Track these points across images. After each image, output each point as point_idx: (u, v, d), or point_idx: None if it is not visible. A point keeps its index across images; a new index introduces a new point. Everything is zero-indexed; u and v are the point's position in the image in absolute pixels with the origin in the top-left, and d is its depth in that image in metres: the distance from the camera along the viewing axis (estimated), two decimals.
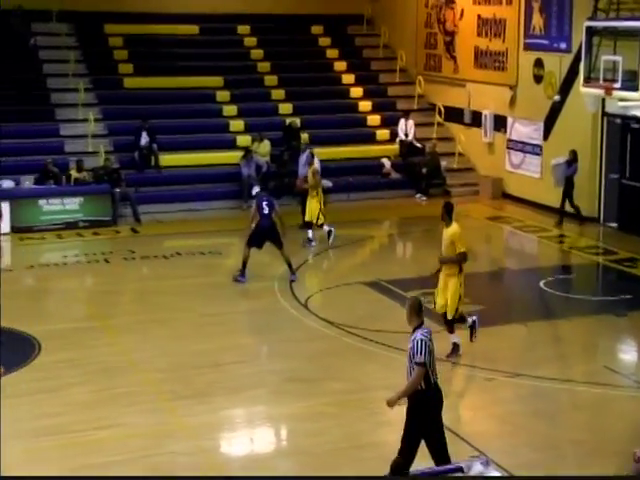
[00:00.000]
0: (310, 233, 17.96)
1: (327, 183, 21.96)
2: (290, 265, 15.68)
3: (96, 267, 16.83)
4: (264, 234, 15.52)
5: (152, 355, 12.46)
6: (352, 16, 27.59)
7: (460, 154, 24.11)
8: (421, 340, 8.07)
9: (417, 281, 15.04)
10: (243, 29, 26.73)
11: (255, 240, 15.54)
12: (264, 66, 25.70)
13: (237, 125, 23.70)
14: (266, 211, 15.52)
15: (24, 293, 15.56)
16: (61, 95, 23.23)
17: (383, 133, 24.45)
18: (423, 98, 25.76)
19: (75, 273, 16.77)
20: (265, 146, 22.20)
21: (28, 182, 19.75)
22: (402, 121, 24.04)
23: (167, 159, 22.13)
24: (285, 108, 24.47)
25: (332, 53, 26.76)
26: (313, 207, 17.83)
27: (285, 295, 15.03)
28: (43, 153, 21.01)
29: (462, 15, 24.32)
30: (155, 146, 21.94)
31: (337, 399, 11.02)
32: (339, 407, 10.81)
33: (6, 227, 18.31)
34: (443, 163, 23.51)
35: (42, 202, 19.30)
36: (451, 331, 12.16)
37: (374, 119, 24.86)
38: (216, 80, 24.76)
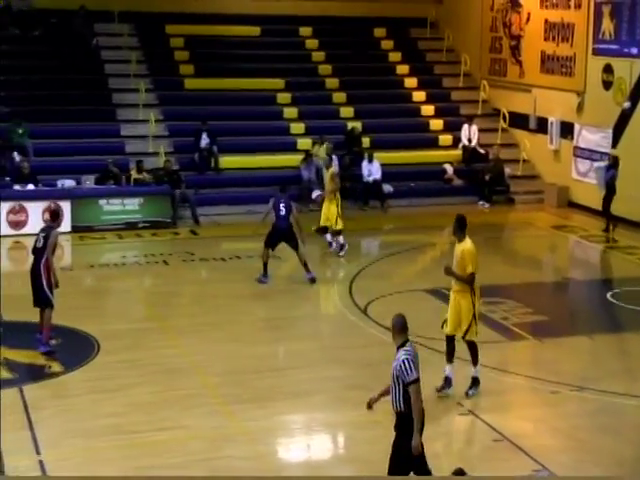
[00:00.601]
0: (328, 237, 17.81)
1: (388, 188, 22.02)
2: (306, 265, 15.79)
3: (155, 268, 17.08)
4: (279, 235, 15.79)
5: (210, 358, 12.61)
6: (416, 19, 27.60)
7: (524, 161, 23.94)
8: (406, 360, 7.98)
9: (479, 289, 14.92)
10: (305, 31, 26.89)
11: (271, 240, 15.80)
12: (325, 68, 25.84)
13: (297, 128, 23.87)
14: (283, 212, 15.77)
15: (84, 293, 15.87)
16: (122, 95, 23.65)
17: (446, 138, 24.42)
18: (487, 103, 25.65)
19: (134, 274, 17.05)
20: (326, 149, 22.33)
21: (89, 182, 20.13)
22: (465, 126, 23.98)
23: (227, 161, 22.40)
24: (346, 111, 24.57)
25: (395, 56, 26.79)
26: (331, 211, 17.53)
27: (344, 301, 15.11)
28: (104, 153, 21.41)
29: (528, 19, 24.16)
30: (215, 148, 22.21)
31: None
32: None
33: (67, 226, 18.68)
34: (507, 170, 23.37)
35: (102, 202, 19.68)
36: (475, 362, 11.26)
37: (437, 124, 24.84)
38: (277, 82, 24.96)
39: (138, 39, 25.44)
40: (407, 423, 7.95)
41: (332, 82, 25.47)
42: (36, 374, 11.87)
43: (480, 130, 24.13)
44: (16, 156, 20.61)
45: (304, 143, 23.12)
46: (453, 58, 26.92)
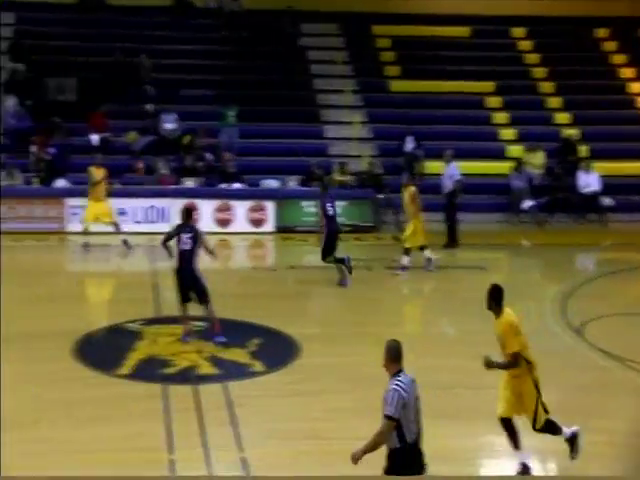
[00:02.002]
0: (427, 253, 17.17)
1: (607, 201, 21.28)
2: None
3: (357, 274, 17.25)
4: (336, 237, 15.59)
5: (407, 369, 12.54)
6: None
7: None
8: (394, 391, 7.46)
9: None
10: (518, 32, 26.51)
11: (332, 248, 15.60)
12: (540, 72, 25.35)
13: (508, 134, 23.54)
14: (331, 212, 15.51)
15: (285, 294, 16.27)
16: (327, 97, 24.17)
17: None
18: None
19: (335, 278, 17.29)
20: (539, 157, 21.88)
21: (292, 183, 20.69)
22: None
23: (433, 166, 22.37)
24: (562, 117, 23.99)
25: (618, 59, 25.91)
26: (414, 229, 16.84)
27: (557, 318, 14.69)
28: (307, 154, 21.96)
29: None
30: (420, 152, 22.23)
31: (607, 439, 10.55)
32: (608, 447, 10.34)
33: (270, 226, 19.29)
34: None
35: (305, 203, 20.18)
36: (516, 446, 9.57)
37: None
38: (486, 85, 24.74)
39: (344, 40, 25.92)
40: (394, 460, 7.52)
41: (546, 86, 24.95)
42: (239, 372, 12.25)
43: None
44: (208, 156, 21.51)
45: (515, 150, 22.74)
46: None
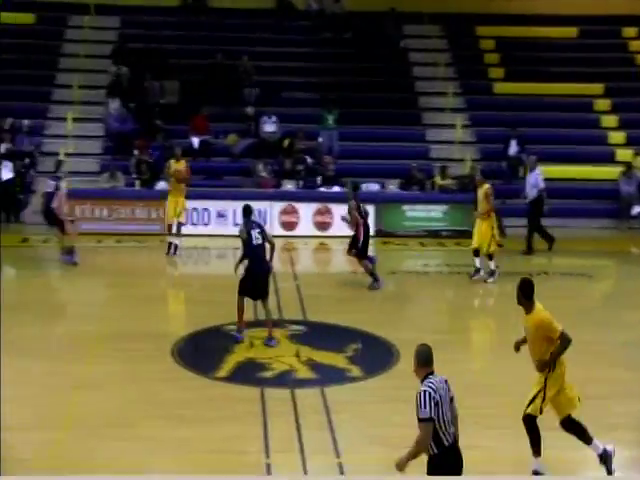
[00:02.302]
0: (477, 262, 16.67)
1: None
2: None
3: (457, 279, 17.11)
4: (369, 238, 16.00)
5: (507, 378, 12.31)
6: None
7: None
8: (424, 392, 7.38)
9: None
10: (629, 32, 25.92)
11: (367, 248, 15.82)
12: None
13: (617, 137, 23.03)
14: (364, 213, 15.80)
15: (385, 299, 16.20)
16: (429, 99, 24.04)
17: None
18: None
19: (436, 283, 17.18)
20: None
21: (392, 186, 20.64)
22: None
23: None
24: None
25: None
26: (483, 232, 16.48)
27: None
28: (408, 158, 21.87)
29: None
30: (525, 156, 21.87)
31: None
32: None
33: (370, 230, 19.25)
34: None
35: (406, 207, 20.11)
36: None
37: None
38: (595, 87, 24.24)
39: (447, 41, 25.74)
40: (433, 465, 7.43)
41: None
42: (337, 377, 12.25)
43: None
44: (308, 159, 21.62)
45: (624, 154, 22.19)
46: None
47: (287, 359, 12.68)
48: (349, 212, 16.03)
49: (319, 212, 20.17)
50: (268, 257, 13.20)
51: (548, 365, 9.49)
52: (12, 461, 9.42)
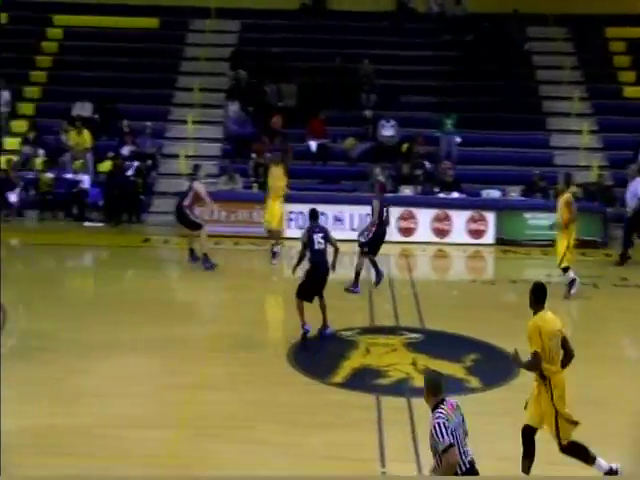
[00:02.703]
0: (571, 273, 15.96)
1: None
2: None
3: (581, 290, 16.73)
4: (382, 240, 16.17)
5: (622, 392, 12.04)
6: None
7: None
8: (438, 424, 7.43)
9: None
10: None
11: (374, 247, 16.07)
12: None
13: None
14: (385, 216, 16.04)
15: (505, 308, 15.93)
16: (553, 103, 23.66)
17: None
18: None
19: (558, 294, 16.80)
20: None
21: (514, 193, 20.35)
22: None
23: None
24: None
25: None
26: (562, 246, 15.82)
27: None
28: (531, 164, 21.57)
29: None
30: None
31: None
32: None
33: (490, 238, 19.09)
34: None
35: (528, 215, 19.77)
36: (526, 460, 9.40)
37: None
38: None
39: (573, 44, 25.25)
40: None
41: None
42: (454, 387, 12.12)
43: None
44: (427, 164, 21.50)
45: None
46: None
47: (404, 367, 12.64)
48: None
49: (437, 218, 20.05)
50: (331, 260, 13.67)
51: (522, 366, 9.49)
52: (118, 457, 9.65)
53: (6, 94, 23.21)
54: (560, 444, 9.33)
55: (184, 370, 12.18)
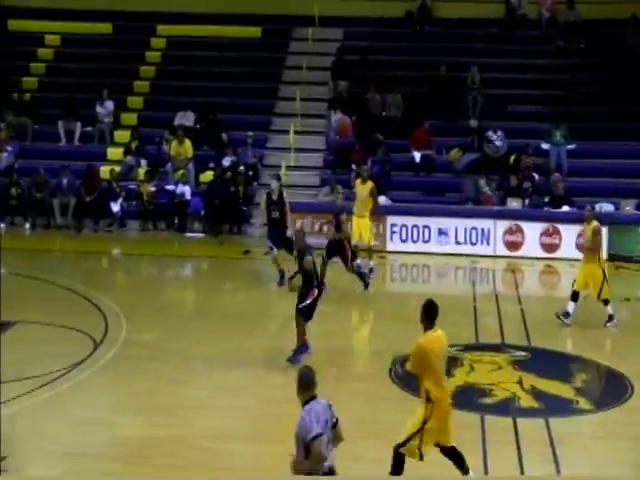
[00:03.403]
0: (570, 306, 15.06)
1: None
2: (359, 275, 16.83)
3: None
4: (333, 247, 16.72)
5: None
6: None
7: None
8: (308, 414, 7.58)
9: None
10: None
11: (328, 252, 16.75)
12: None
13: None
14: None
15: (618, 326, 15.59)
16: None
17: None
18: None
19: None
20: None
21: (628, 207, 19.94)
22: None
23: None
24: None
25: None
26: (595, 275, 14.89)
27: None
28: None
29: None
30: None
31: None
32: None
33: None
34: None
35: None
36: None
37: None
38: None
39: None
40: None
41: None
42: (563, 408, 11.98)
43: None
44: (535, 176, 21.22)
45: None
46: None
47: (509, 386, 12.53)
48: None
49: (546, 233, 19.75)
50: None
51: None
52: (213, 470, 9.80)
53: (110, 104, 23.87)
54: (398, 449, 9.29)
55: (283, 384, 12.30)
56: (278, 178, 17.72)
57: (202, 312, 15.70)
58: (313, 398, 7.80)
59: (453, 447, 9.38)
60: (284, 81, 25.15)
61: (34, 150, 23.45)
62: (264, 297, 17.19)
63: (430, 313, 9.44)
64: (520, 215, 20.35)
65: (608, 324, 15.02)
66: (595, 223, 15.18)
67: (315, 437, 7.62)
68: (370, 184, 18.00)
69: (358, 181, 18.43)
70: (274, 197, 17.17)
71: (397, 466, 9.35)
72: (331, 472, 7.88)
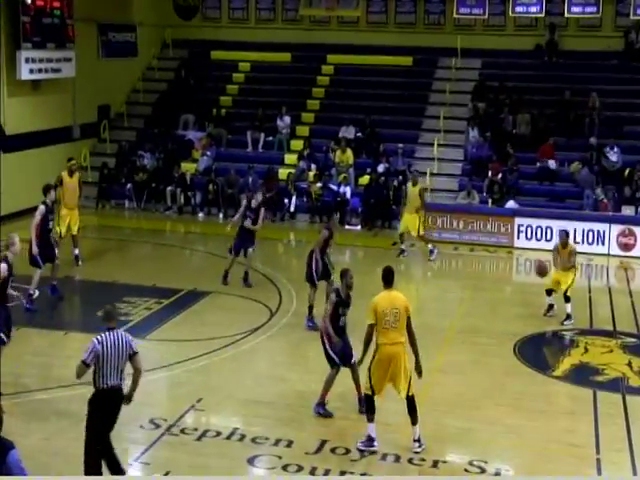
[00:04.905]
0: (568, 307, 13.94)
1: None
2: None
3: None
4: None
5: None
6: None
7: None
8: (91, 341, 7.97)
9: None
10: None
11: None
12: None
13: None
14: None
15: None
16: None
17: None
18: None
19: None
20: None
21: None
22: None
23: None
24: None
25: None
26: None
27: None
28: None
29: None
30: None
31: None
32: None
33: None
34: None
35: None
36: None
37: None
38: None
39: None
40: (91, 399, 8.05)
41: None
42: None
43: None
44: None
45: None
46: None
47: (620, 367, 12.07)
48: None
49: (623, 234, 18.98)
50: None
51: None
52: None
53: (287, 119, 24.24)
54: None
55: (427, 356, 12.15)
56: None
57: (357, 291, 15.75)
58: (110, 329, 8.07)
59: (410, 397, 9.31)
60: (431, 102, 24.91)
61: (227, 155, 24.05)
62: (409, 280, 17.14)
63: (386, 277, 9.57)
64: (633, 220, 19.48)
65: (566, 322, 13.88)
66: None
67: (82, 362, 7.95)
68: (419, 186, 18.00)
69: (409, 184, 18.36)
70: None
71: (369, 403, 9.48)
72: (115, 391, 8.04)
